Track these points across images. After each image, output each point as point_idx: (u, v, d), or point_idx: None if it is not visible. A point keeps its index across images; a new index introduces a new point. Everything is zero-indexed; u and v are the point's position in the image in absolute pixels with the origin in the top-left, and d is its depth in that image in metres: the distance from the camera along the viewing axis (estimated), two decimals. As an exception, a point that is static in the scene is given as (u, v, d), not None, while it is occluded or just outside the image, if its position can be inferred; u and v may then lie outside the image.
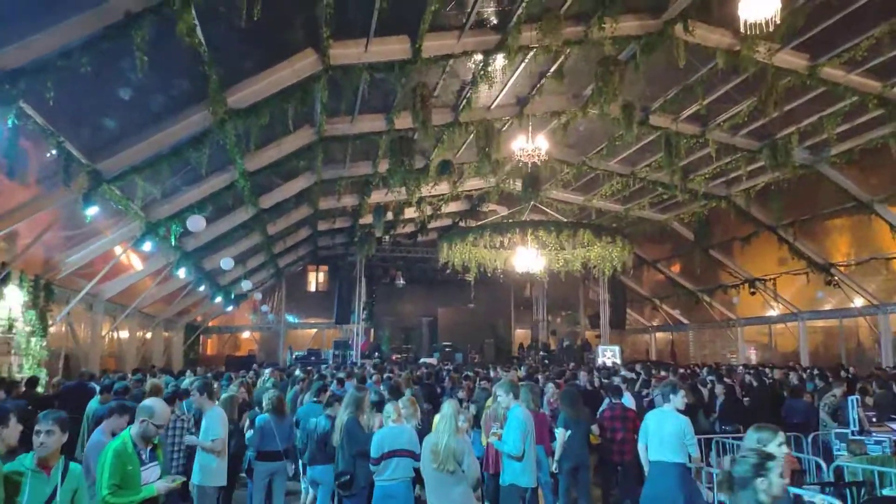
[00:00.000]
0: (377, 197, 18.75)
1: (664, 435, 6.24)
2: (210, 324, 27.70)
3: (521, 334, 31.14)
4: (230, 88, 9.71)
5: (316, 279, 29.28)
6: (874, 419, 8.29)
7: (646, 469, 6.40)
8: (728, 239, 20.88)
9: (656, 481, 6.24)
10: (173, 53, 8.96)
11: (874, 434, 7.22)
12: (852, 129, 13.28)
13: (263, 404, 7.35)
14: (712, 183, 17.64)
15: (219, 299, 21.25)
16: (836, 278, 18.42)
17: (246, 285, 18.60)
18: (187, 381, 10.08)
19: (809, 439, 8.57)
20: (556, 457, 7.53)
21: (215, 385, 8.85)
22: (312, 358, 23.11)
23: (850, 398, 7.49)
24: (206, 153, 10.04)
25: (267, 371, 12.49)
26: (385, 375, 12.11)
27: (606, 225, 19.33)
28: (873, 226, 16.92)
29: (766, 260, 21.39)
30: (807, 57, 11.26)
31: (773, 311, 22.59)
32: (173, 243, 13.00)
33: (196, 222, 11.09)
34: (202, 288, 18.80)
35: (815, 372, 12.72)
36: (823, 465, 7.09)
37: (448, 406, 5.55)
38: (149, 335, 20.32)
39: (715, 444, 8.48)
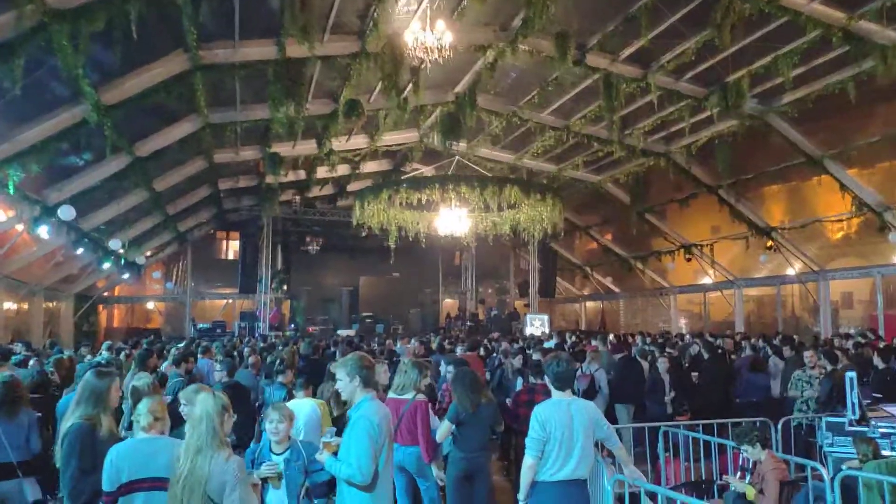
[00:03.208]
0: (283, 150, 16.57)
1: (574, 436, 4.30)
2: (114, 293, 25.02)
3: (449, 304, 29.61)
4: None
5: (226, 246, 26.79)
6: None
7: (525, 494, 4.39)
8: (665, 201, 19.69)
9: None
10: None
11: (875, 423, 5.60)
12: (808, 73, 11.95)
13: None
14: (651, 138, 16.25)
15: (107, 265, 18.68)
16: (777, 243, 17.46)
17: (114, 244, 16.08)
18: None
19: (780, 426, 6.85)
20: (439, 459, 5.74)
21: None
22: (218, 330, 20.91)
23: (847, 374, 5.86)
24: (19, 65, 7.73)
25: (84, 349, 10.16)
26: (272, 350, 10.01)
27: (535, 181, 17.73)
28: (816, 188, 16.03)
29: (701, 225, 20.44)
30: (766, -21, 9.76)
31: (708, 279, 21.73)
32: (11, 192, 10.58)
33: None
34: (80, 251, 16.23)
35: (775, 341, 11.38)
36: (824, 472, 5.15)
37: (205, 403, 3.40)
38: (20, 305, 17.69)
39: (662, 436, 6.76)
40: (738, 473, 5.46)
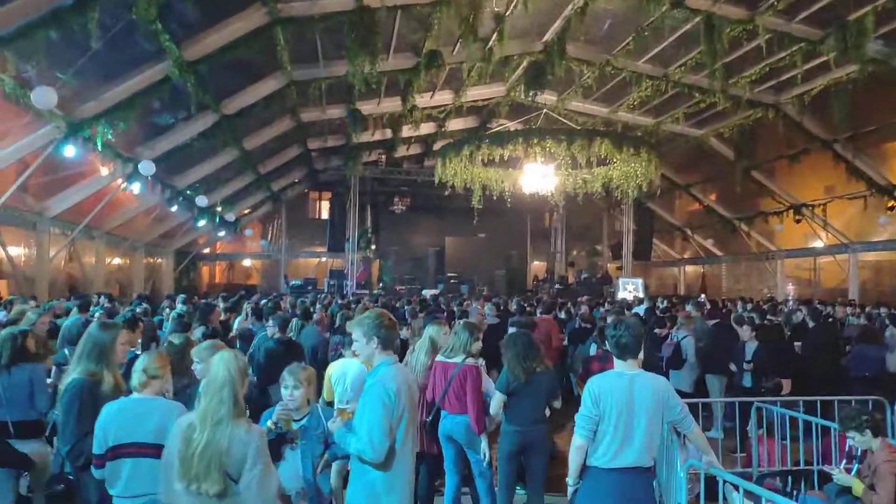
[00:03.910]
0: (368, 108, 16.41)
1: (635, 417, 3.67)
2: (214, 250, 26.14)
3: (537, 266, 28.95)
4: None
5: (319, 206, 27.22)
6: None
7: (575, 479, 3.84)
8: (773, 158, 18.18)
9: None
10: None
11: None
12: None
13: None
14: (759, 87, 14.89)
15: (202, 223, 19.30)
16: (901, 203, 15.76)
17: (201, 201, 16.45)
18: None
19: (897, 407, 5.87)
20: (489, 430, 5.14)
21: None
22: (309, 287, 21.34)
23: None
24: (93, 19, 7.76)
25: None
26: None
27: (628, 134, 16.67)
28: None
29: (813, 184, 18.79)
30: None
31: (819, 243, 20.06)
32: (99, 147, 10.89)
33: (43, 95, 8.62)
34: (175, 209, 16.81)
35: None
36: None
37: (228, 365, 2.95)
38: (123, 260, 18.67)
39: (755, 412, 5.99)
40: (844, 462, 4.63)
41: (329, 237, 22.00)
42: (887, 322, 9.30)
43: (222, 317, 8.50)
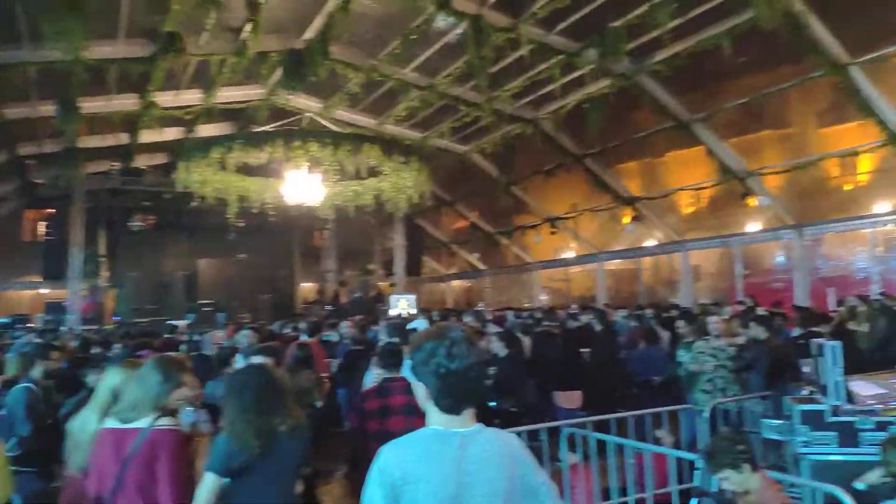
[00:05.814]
0: (96, 105, 13.81)
1: None
2: None
3: (307, 289, 27.39)
4: None
5: (37, 226, 22.79)
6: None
7: None
8: (530, 173, 18.88)
9: None
10: None
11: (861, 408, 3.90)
12: (684, 27, 11.22)
13: None
14: (519, 102, 15.18)
15: None
16: (640, 213, 17.14)
17: None
18: None
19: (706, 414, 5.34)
20: None
21: None
22: (17, 325, 17.35)
23: (828, 344, 4.36)
24: None
25: None
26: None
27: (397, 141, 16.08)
28: (681, 157, 16.03)
29: (564, 197, 19.96)
30: None
31: (570, 253, 21.39)
32: None
33: None
34: None
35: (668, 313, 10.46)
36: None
37: None
38: None
39: (566, 440, 5.13)
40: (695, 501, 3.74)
41: (45, 262, 17.88)
42: (655, 324, 9.50)
43: None
